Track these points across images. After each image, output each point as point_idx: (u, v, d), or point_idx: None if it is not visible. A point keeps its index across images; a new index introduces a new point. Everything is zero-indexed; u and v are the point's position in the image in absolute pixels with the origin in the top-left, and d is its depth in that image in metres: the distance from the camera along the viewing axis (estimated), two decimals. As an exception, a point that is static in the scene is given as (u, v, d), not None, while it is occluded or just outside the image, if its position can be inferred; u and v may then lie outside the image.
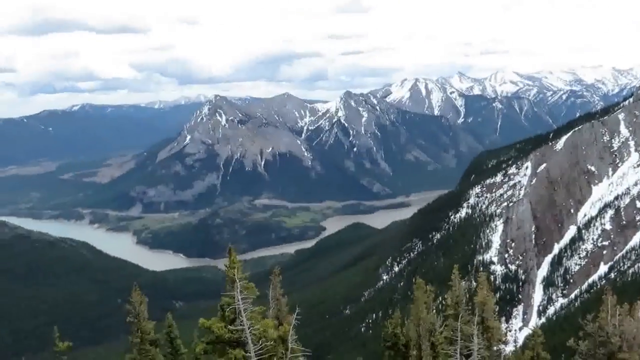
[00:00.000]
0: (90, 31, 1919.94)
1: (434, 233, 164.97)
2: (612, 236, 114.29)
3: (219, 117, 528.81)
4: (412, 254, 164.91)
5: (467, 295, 27.98)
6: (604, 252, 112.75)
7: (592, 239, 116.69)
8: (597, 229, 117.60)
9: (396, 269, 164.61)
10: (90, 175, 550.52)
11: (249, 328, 18.67)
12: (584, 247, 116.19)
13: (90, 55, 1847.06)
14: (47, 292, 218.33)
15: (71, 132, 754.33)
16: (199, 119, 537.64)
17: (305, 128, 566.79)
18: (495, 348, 25.86)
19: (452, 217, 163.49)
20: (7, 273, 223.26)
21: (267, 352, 19.08)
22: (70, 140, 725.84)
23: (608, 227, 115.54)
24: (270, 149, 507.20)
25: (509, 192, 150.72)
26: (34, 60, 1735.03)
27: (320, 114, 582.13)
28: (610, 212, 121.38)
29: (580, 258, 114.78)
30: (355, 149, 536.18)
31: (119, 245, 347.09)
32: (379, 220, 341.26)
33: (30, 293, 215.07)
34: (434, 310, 28.56)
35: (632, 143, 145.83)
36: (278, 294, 23.44)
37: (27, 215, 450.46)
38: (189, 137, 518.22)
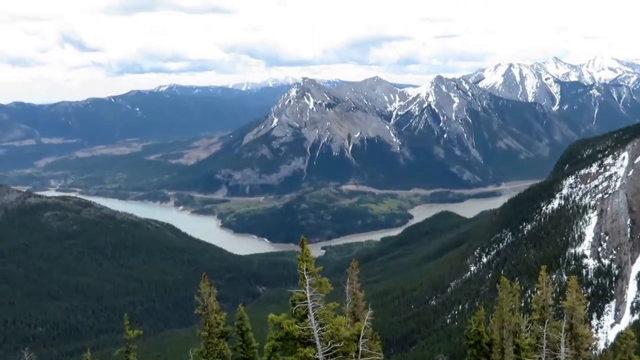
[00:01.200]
0: (179, 11, 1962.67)
1: (524, 224, 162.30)
2: None
3: (306, 100, 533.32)
4: (501, 245, 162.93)
5: (557, 291, 26.76)
6: None
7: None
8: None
9: (484, 259, 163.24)
10: (176, 157, 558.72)
11: (317, 327, 18.67)
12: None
13: (178, 35, 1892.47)
14: (133, 273, 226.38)
15: (158, 113, 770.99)
16: (286, 102, 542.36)
17: (394, 113, 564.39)
18: (582, 359, 24.68)
19: (544, 208, 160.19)
20: (93, 252, 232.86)
21: (338, 353, 18.89)
22: (157, 121, 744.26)
23: None
24: (358, 133, 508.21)
25: (604, 184, 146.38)
26: (123, 39, 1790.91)
27: (410, 98, 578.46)
28: None
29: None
30: (445, 136, 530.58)
31: (204, 228, 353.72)
32: (468, 210, 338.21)
33: (118, 272, 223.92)
34: (519, 309, 28.08)
35: None
36: (355, 288, 23.34)
37: (114, 195, 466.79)
38: (276, 120, 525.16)
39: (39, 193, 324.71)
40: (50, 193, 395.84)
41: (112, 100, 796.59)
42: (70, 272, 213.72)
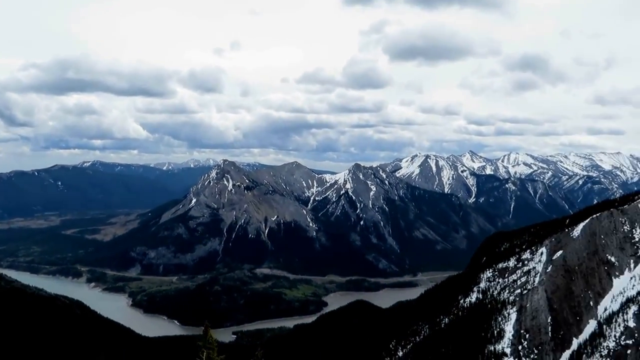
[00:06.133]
0: (109, 92, 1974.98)
1: (442, 317, 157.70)
2: (636, 335, 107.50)
3: (225, 182, 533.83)
4: (417, 338, 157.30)
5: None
6: (628, 351, 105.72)
7: (615, 336, 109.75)
8: (619, 325, 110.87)
9: (400, 353, 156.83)
10: (93, 233, 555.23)
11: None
12: (605, 344, 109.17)
13: (105, 114, 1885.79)
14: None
15: (80, 188, 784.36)
16: (205, 182, 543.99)
17: (312, 198, 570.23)
18: None
19: (462, 301, 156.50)
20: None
21: None
22: (78, 196, 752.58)
23: (632, 324, 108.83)
24: (275, 217, 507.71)
25: (523, 279, 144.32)
26: (52, 116, 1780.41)
27: (328, 184, 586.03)
28: (634, 307, 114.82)
29: (602, 356, 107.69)
30: (362, 223, 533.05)
31: (113, 306, 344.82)
32: (384, 299, 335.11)
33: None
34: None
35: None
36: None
37: (26, 269, 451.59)
38: (194, 200, 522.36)
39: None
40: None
41: (36, 173, 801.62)
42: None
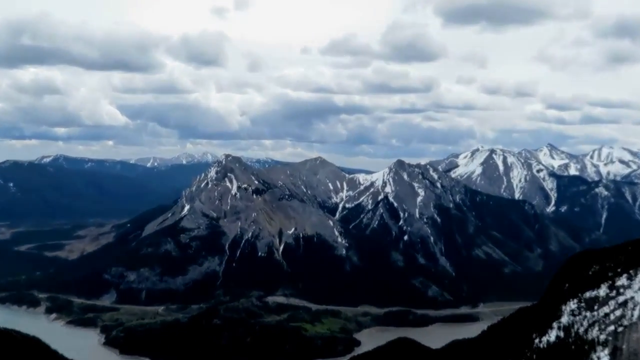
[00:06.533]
0: (76, 65, 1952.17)
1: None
2: None
3: (228, 184, 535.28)
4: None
5: None
6: None
7: None
8: None
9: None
10: (54, 249, 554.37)
11: None
12: None
13: (71, 94, 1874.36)
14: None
15: (38, 190, 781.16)
16: (202, 184, 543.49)
17: (340, 205, 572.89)
18: None
19: (537, 340, 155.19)
20: None
21: None
22: (35, 201, 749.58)
23: None
24: (293, 229, 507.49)
25: (618, 312, 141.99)
26: (1, 97, 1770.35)
27: (361, 187, 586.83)
28: None
29: None
30: (406, 238, 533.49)
31: (80, 345, 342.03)
32: (435, 337, 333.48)
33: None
34: None
35: None
36: None
37: None
38: (187, 207, 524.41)
39: None
40: None
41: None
42: None
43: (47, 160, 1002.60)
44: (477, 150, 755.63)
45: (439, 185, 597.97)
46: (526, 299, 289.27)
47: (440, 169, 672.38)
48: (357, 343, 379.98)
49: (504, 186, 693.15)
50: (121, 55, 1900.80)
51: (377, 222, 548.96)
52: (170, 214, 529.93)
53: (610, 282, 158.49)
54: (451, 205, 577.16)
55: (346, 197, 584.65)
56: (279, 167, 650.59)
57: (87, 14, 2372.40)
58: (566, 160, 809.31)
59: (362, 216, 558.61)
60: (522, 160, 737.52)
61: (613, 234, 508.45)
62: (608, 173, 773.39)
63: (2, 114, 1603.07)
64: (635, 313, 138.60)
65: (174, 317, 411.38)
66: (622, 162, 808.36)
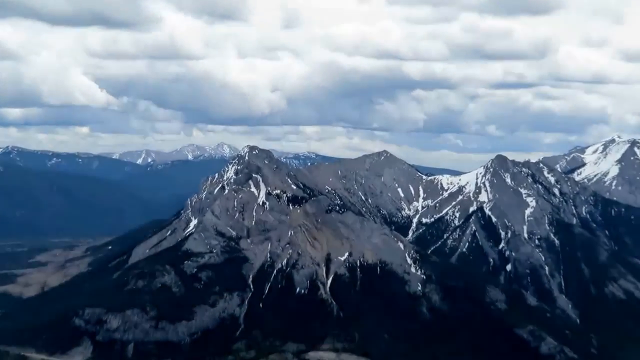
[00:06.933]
0: (37, 19, 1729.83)
1: None
2: None
3: (254, 189, 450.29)
4: None
5: None
6: None
7: None
8: None
9: None
10: (5, 281, 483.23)
11: None
12: None
13: (30, 60, 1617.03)
14: None
15: None
16: (216, 190, 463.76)
17: (415, 221, 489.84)
18: None
19: None
20: None
21: None
22: None
23: None
24: (347, 255, 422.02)
25: None
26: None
27: (445, 195, 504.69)
28: None
29: None
30: (509, 268, 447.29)
31: None
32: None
33: None
34: None
35: None
36: None
37: None
38: (194, 222, 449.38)
39: None
40: None
41: None
42: None
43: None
44: (613, 141, 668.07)
45: (557, 192, 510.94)
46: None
47: (560, 169, 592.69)
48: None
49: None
50: (100, 5, 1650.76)
51: (467, 245, 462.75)
52: (169, 232, 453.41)
53: None
54: (575, 220, 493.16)
55: (423, 208, 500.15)
56: (327, 166, 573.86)
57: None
58: None
59: (445, 236, 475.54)
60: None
61: None
62: None
63: None
64: None
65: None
66: None
